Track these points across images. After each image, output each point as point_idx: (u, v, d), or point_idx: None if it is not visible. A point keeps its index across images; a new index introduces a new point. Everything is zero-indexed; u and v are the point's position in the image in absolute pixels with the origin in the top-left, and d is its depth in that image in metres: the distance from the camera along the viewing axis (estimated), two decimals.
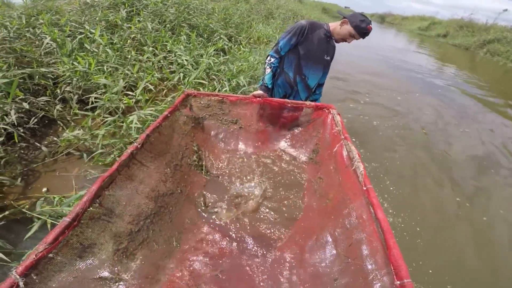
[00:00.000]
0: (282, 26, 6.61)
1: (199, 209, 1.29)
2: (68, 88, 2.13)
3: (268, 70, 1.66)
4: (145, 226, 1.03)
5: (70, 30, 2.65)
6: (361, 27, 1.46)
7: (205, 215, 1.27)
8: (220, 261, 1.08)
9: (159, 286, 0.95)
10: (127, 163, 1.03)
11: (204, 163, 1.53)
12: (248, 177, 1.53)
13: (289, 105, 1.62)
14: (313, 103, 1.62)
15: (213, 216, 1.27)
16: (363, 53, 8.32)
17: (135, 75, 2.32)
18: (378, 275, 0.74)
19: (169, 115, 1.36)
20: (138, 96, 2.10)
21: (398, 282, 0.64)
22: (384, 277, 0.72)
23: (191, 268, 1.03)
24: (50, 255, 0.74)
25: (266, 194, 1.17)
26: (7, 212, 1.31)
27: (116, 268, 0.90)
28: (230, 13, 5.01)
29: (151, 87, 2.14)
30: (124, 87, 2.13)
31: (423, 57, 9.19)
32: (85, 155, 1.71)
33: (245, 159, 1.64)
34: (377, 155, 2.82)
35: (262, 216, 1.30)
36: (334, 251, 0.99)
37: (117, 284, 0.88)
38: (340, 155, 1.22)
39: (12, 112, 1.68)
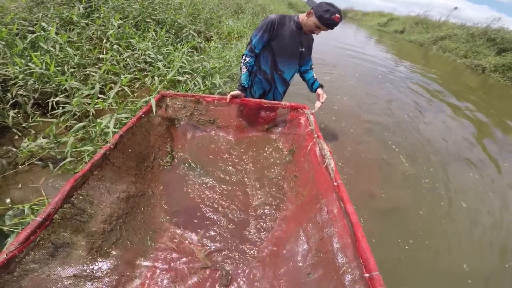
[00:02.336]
0: (252, 21, 6.60)
1: (173, 209, 1.29)
2: (21, 92, 1.91)
3: (244, 70, 1.64)
4: (118, 226, 1.04)
5: (17, 29, 2.37)
6: (324, 18, 1.36)
7: (179, 215, 1.27)
8: (196, 259, 1.10)
9: (136, 284, 0.97)
10: (99, 163, 1.02)
11: (180, 163, 1.50)
12: (227, 178, 1.53)
13: (265, 105, 1.65)
14: (288, 104, 1.65)
15: (186, 216, 1.27)
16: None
17: (102, 77, 2.16)
18: (349, 268, 0.75)
19: (143, 115, 1.33)
20: (109, 99, 1.96)
21: (367, 275, 0.65)
22: (355, 270, 0.73)
23: (166, 266, 1.05)
24: (22, 254, 0.73)
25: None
26: None
27: (90, 267, 0.91)
28: (198, 7, 4.86)
29: (126, 89, 2.02)
30: (93, 88, 1.98)
31: (382, 53, 9.81)
32: (51, 165, 1.57)
33: (223, 160, 1.64)
34: None
35: (239, 216, 1.33)
36: (306, 246, 1.02)
37: (92, 282, 0.88)
38: (314, 153, 1.27)
39: None
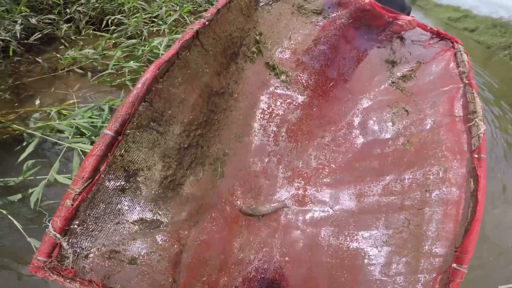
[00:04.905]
0: None
1: (247, 125, 1.02)
2: (80, 8, 1.80)
3: None
4: (195, 139, 0.80)
5: None
6: None
7: (252, 131, 1.01)
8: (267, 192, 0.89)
9: (199, 230, 0.72)
10: (189, 44, 0.73)
11: (265, 59, 1.15)
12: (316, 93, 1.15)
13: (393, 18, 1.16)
14: (435, 28, 1.20)
15: (260, 134, 1.02)
16: None
17: (165, 3, 1.96)
18: (434, 250, 0.68)
19: None
20: (162, 26, 1.75)
21: (455, 265, 0.59)
22: (439, 257, 0.66)
23: (233, 204, 0.82)
24: (90, 195, 0.48)
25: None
26: None
27: (158, 206, 0.65)
28: None
29: (186, 17, 1.87)
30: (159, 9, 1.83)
31: None
32: (89, 73, 1.34)
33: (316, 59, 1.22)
34: None
35: (320, 140, 1.06)
36: (398, 203, 0.84)
37: (156, 229, 0.63)
38: (451, 100, 0.99)
39: (17, 26, 1.39)
